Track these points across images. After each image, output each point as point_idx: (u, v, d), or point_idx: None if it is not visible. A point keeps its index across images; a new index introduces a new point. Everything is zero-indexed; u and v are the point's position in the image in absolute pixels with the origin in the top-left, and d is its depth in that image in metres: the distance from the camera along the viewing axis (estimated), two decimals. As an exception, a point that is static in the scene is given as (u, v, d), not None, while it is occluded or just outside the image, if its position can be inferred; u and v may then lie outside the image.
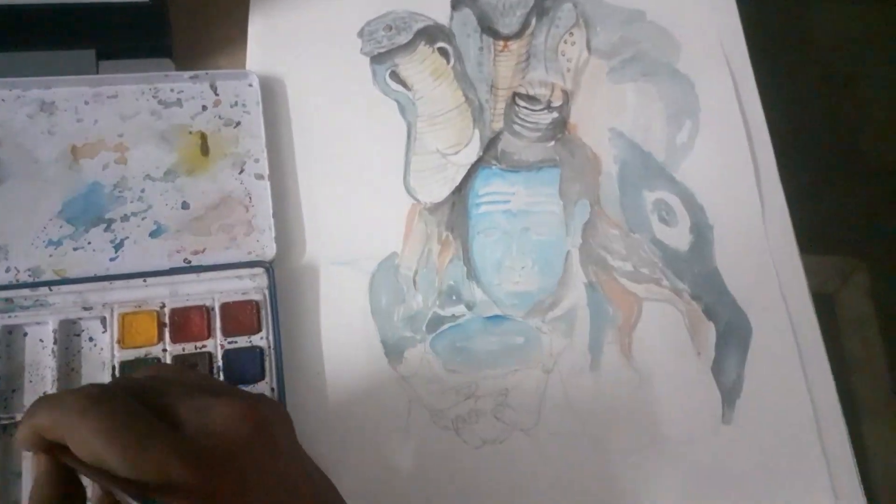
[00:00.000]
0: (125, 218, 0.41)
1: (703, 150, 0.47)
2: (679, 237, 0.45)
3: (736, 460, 0.40)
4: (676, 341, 0.43)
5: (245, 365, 0.38)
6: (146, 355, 0.38)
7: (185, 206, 0.42)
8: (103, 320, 0.38)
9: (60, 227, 0.40)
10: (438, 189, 0.45)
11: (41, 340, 0.38)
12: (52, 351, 0.37)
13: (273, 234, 0.41)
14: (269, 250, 0.41)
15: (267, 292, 0.40)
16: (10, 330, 0.38)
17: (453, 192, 0.45)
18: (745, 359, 0.42)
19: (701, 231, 0.45)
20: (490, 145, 0.46)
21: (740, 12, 0.51)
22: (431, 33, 0.48)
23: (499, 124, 0.47)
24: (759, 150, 0.47)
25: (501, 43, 0.49)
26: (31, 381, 0.37)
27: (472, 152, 0.46)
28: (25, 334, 0.38)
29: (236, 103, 0.44)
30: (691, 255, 0.45)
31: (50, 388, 0.37)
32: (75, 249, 0.40)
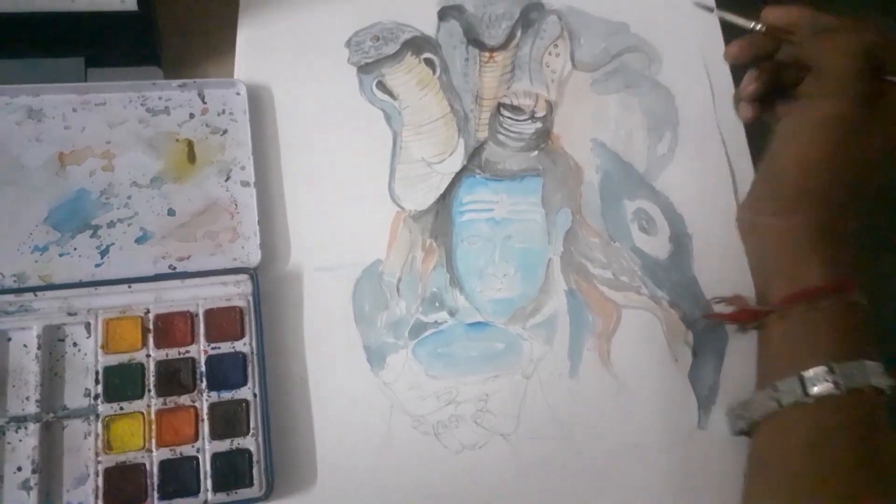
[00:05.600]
0: (111, 224, 0.41)
1: (683, 161, 0.48)
2: (658, 246, 0.46)
3: (711, 465, 0.41)
4: (654, 348, 0.43)
5: (228, 371, 0.39)
6: (130, 361, 0.38)
7: (171, 212, 0.42)
8: (87, 326, 0.39)
9: (47, 232, 0.40)
10: (423, 197, 0.46)
11: (25, 345, 0.38)
12: (36, 356, 0.38)
13: (258, 241, 0.42)
14: (254, 257, 0.41)
15: (251, 298, 0.40)
16: (-5, 335, 0.38)
17: (438, 200, 0.46)
18: (720, 366, 0.43)
19: (680, 240, 0.46)
20: (474, 154, 0.47)
21: (721, 24, 0.52)
22: (418, 44, 0.49)
23: (483, 134, 0.47)
24: (736, 160, 0.48)
25: (487, 54, 0.49)
26: (13, 386, 0.37)
27: (457, 161, 0.47)
28: (9, 339, 0.38)
29: (223, 111, 0.44)
30: (670, 264, 0.45)
31: (33, 392, 0.37)
32: (61, 255, 0.40)
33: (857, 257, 0.39)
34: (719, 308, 0.43)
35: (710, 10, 0.45)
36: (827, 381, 0.35)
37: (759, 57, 0.44)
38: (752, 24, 0.43)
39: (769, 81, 0.43)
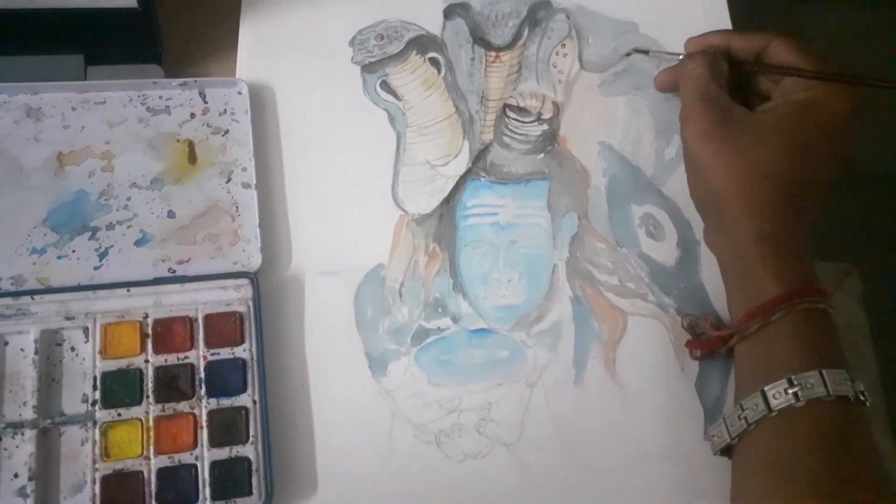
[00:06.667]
0: (110, 226, 0.41)
1: (692, 166, 0.47)
2: (666, 252, 0.45)
3: (717, 476, 0.40)
4: (661, 357, 0.43)
5: (227, 377, 0.38)
6: (128, 366, 0.38)
7: (171, 214, 0.41)
8: (86, 330, 0.38)
9: (45, 234, 0.40)
10: (426, 200, 0.45)
11: (22, 349, 0.38)
12: (33, 360, 0.37)
13: (259, 245, 0.41)
14: (255, 261, 0.41)
15: (251, 303, 0.40)
16: (-9, 338, 0.38)
17: (441, 204, 0.45)
18: (728, 375, 0.42)
19: (688, 246, 0.45)
20: (479, 157, 0.46)
21: (733, 23, 0.51)
22: (423, 43, 0.48)
23: (488, 136, 0.47)
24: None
25: (493, 54, 0.49)
26: (10, 391, 0.37)
27: (461, 164, 0.46)
28: (6, 343, 0.38)
29: (225, 111, 0.44)
30: (678, 270, 0.45)
31: (30, 398, 0.37)
32: (59, 258, 0.39)
33: (810, 261, 0.39)
34: (696, 330, 0.43)
35: (645, 52, 0.48)
36: (787, 394, 0.35)
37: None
38: (678, 55, 0.46)
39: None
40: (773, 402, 0.35)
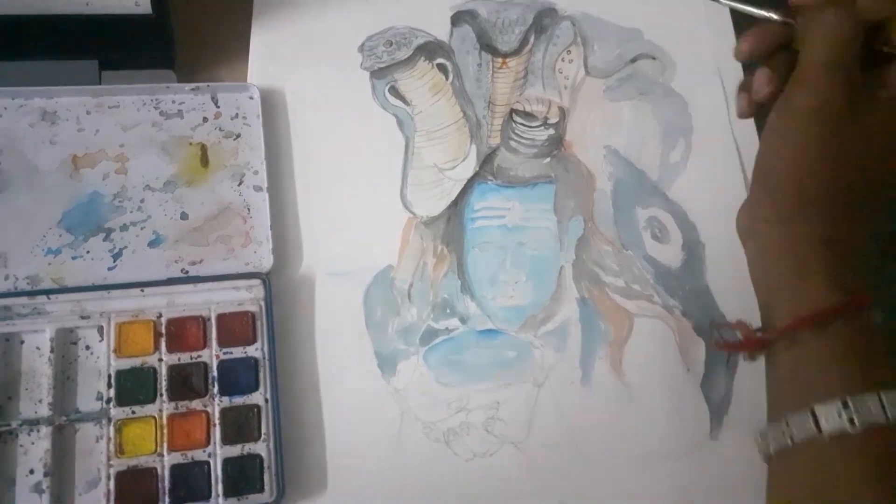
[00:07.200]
0: (124, 227, 0.41)
1: (696, 169, 0.47)
2: (671, 254, 0.46)
3: (722, 476, 0.40)
4: (666, 357, 0.43)
5: (240, 375, 0.39)
6: (142, 364, 0.38)
7: (183, 216, 0.42)
8: (100, 329, 0.39)
9: (60, 235, 0.40)
10: (435, 203, 0.45)
11: (38, 348, 0.38)
12: (49, 359, 0.38)
13: (270, 246, 0.42)
14: (266, 262, 0.41)
15: (263, 303, 0.40)
16: (8, 337, 0.38)
17: (449, 207, 0.45)
18: (733, 375, 0.43)
19: (693, 248, 0.46)
20: (486, 161, 0.47)
21: (736, 29, 0.52)
22: (431, 49, 0.49)
23: (495, 140, 0.47)
24: (750, 167, 0.47)
25: (500, 60, 0.49)
26: (27, 389, 0.38)
27: (469, 167, 0.47)
28: (22, 342, 0.38)
29: (237, 115, 0.44)
30: (683, 273, 0.45)
31: (46, 396, 0.37)
32: (74, 258, 0.40)
33: (868, 269, 0.35)
34: (724, 335, 0.40)
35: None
36: (841, 417, 0.30)
37: (775, 50, 0.36)
38: (767, 14, 0.36)
39: (785, 80, 0.35)
40: (825, 425, 0.31)
